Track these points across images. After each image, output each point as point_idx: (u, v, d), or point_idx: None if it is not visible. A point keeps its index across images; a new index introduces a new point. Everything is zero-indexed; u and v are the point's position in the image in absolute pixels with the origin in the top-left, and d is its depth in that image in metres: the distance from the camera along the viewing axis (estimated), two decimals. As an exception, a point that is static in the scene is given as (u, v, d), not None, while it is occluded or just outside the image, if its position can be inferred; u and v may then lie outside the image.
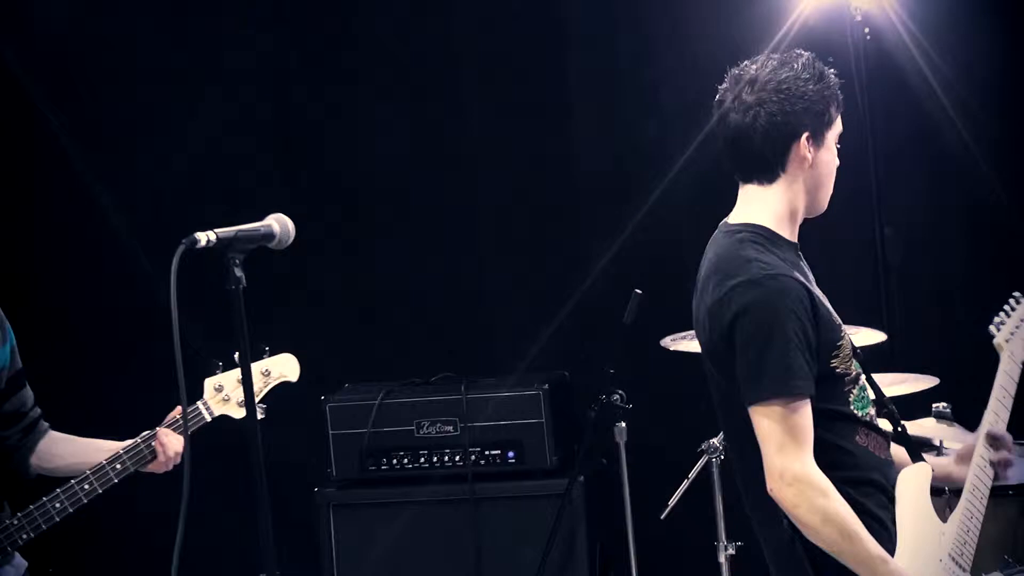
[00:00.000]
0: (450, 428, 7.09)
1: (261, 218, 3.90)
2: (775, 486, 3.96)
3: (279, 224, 3.87)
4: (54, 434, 5.18)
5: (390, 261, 8.68)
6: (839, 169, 4.35)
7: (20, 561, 5.12)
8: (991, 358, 4.93)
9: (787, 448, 3.97)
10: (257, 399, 4.51)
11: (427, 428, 7.13)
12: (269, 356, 5.02)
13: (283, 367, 5.01)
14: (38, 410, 5.18)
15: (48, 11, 9.17)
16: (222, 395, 5.00)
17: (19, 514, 4.89)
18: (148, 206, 8.34)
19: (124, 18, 9.10)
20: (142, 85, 9.17)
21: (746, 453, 4.14)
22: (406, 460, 7.18)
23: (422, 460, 7.19)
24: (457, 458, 7.11)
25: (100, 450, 5.05)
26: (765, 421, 3.98)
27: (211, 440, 4.75)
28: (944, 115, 7.33)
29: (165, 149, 8.79)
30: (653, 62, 7.97)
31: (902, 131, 7.51)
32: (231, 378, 4.93)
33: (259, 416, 4.34)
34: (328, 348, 7.97)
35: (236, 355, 4.19)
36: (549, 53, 8.35)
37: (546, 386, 7.14)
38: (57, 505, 4.94)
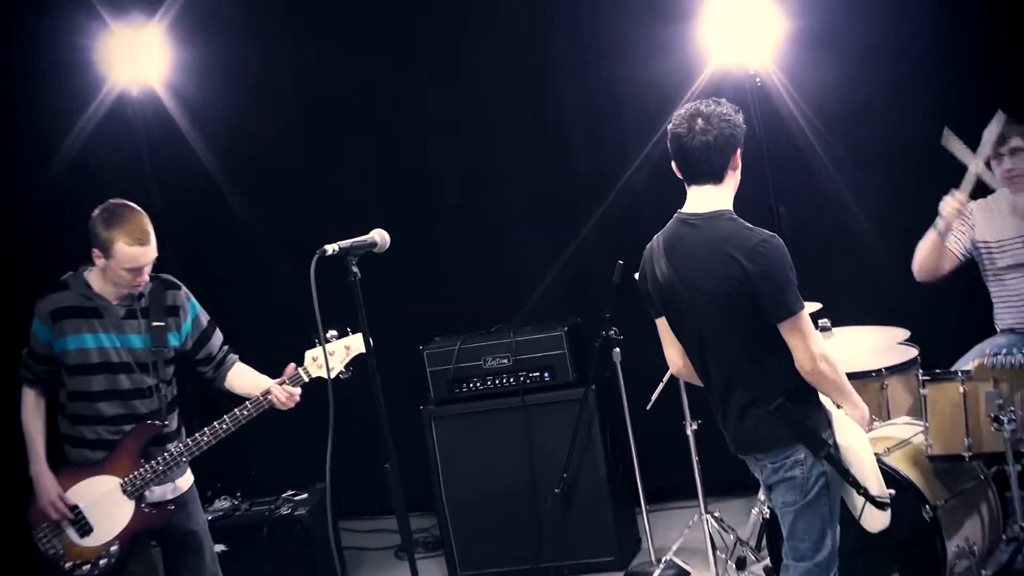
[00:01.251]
0: (505, 360, 7.39)
1: (367, 232, 4.40)
2: (817, 364, 4.40)
3: (379, 236, 4.40)
4: (238, 366, 5.56)
5: (458, 253, 8.73)
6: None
7: (190, 475, 5.50)
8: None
9: (816, 339, 4.47)
10: (342, 365, 4.99)
11: (490, 362, 7.43)
12: (349, 336, 5.06)
13: (357, 343, 4.99)
14: (226, 348, 5.59)
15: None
16: (317, 363, 5.16)
17: (195, 435, 5.24)
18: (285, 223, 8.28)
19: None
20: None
21: (754, 360, 4.55)
22: (478, 383, 7.46)
23: (488, 383, 7.45)
24: (511, 380, 7.41)
25: (259, 386, 5.35)
26: (802, 323, 4.42)
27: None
28: (808, 136, 7.59)
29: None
30: (609, 100, 8.04)
31: (784, 147, 7.68)
32: (320, 351, 4.85)
33: (346, 376, 4.89)
34: (421, 312, 8.25)
35: (326, 334, 4.79)
36: (544, 89, 8.29)
37: (565, 328, 7.46)
38: (217, 436, 5.23)
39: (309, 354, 5.11)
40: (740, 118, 4.62)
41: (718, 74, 7.45)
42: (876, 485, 4.65)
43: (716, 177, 4.59)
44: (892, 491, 4.73)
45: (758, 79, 7.39)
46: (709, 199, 4.61)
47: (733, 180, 4.67)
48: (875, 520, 4.74)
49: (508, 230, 8.72)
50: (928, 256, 6.25)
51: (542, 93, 8.33)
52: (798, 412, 4.54)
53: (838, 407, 4.70)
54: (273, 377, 5.37)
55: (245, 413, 5.23)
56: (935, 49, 7.30)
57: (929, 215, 6.35)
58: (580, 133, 8.31)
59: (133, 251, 5.03)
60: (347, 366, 4.93)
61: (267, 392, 5.22)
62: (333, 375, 4.79)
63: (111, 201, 5.19)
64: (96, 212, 5.13)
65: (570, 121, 8.26)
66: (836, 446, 4.59)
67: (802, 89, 7.58)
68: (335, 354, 5.05)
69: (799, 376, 4.48)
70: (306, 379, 5.17)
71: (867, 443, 4.70)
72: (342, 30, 8.48)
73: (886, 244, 7.31)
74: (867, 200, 7.55)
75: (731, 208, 4.63)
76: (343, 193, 8.50)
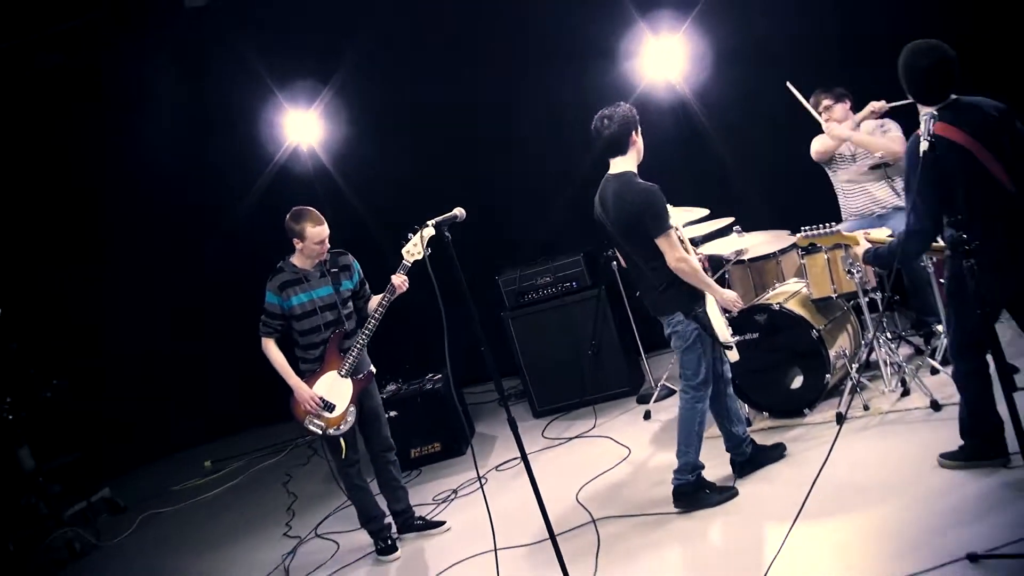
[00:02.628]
0: (548, 278, 7.41)
1: (451, 210, 4.44)
2: (677, 264, 4.72)
3: (460, 211, 4.45)
4: (372, 297, 5.62)
5: (511, 216, 8.48)
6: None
7: (371, 365, 5.69)
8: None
9: (677, 249, 4.74)
10: (424, 246, 4.75)
11: (539, 280, 7.43)
12: (419, 232, 4.93)
13: (427, 232, 4.63)
14: (367, 288, 5.70)
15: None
16: (409, 254, 5.19)
17: (355, 339, 5.45)
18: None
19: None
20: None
21: (649, 261, 4.84)
22: (534, 295, 7.46)
23: (540, 293, 7.43)
24: (554, 289, 7.40)
25: (375, 300, 5.47)
26: (666, 239, 4.72)
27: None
28: (703, 119, 7.52)
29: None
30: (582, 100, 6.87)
31: (696, 126, 7.57)
32: (408, 247, 5.15)
33: (428, 253, 4.63)
34: (490, 255, 7.96)
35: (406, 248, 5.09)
36: (546, 95, 8.03)
37: (582, 254, 7.41)
38: (369, 332, 5.39)
39: (405, 251, 5.16)
40: (631, 112, 4.84)
41: (652, 85, 7.44)
42: (723, 337, 4.98)
43: (621, 152, 4.88)
44: (735, 338, 5.18)
45: (677, 88, 7.39)
46: (619, 165, 4.90)
47: (634, 151, 4.90)
48: (731, 356, 5.06)
49: (540, 196, 8.25)
50: (830, 146, 6.24)
51: (545, 98, 8.07)
52: (677, 292, 4.85)
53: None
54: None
55: (382, 308, 5.39)
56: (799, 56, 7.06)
57: (795, 161, 6.56)
58: (557, 128, 8.04)
59: (317, 229, 5.33)
60: (427, 246, 4.67)
61: (390, 288, 5.35)
62: (420, 256, 4.98)
63: (293, 208, 5.42)
64: (288, 216, 5.37)
65: (557, 115, 7.96)
66: (705, 313, 4.88)
67: (703, 94, 7.52)
68: (414, 249, 5.14)
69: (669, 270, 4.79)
70: (409, 264, 5.20)
71: (718, 314, 4.99)
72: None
73: (775, 179, 7.29)
74: (753, 150, 7.50)
75: (633, 170, 4.88)
76: (427, 186, 8.23)
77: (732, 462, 5.28)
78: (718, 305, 5.02)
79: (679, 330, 4.95)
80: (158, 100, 9.08)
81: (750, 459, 5.25)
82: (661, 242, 4.73)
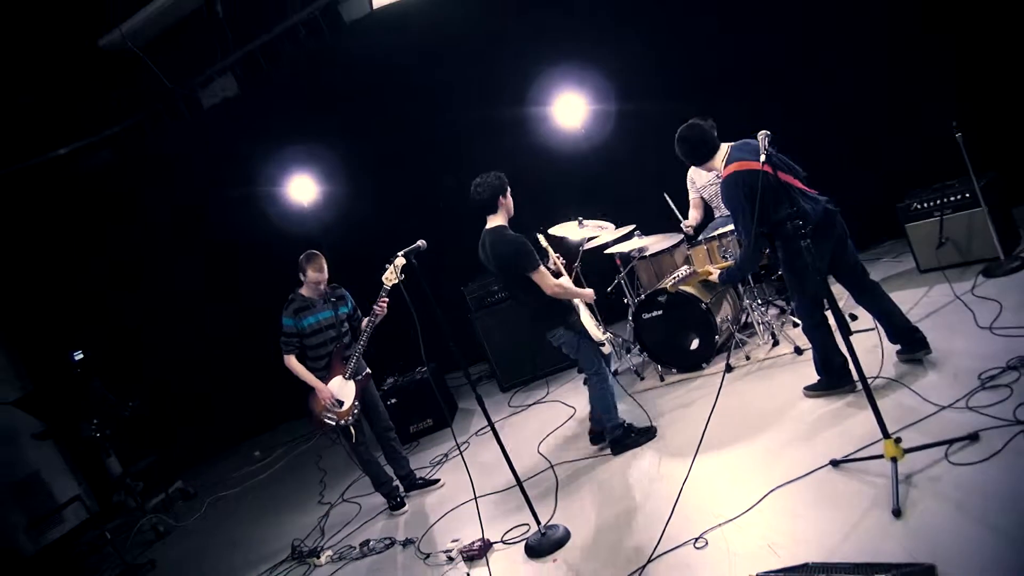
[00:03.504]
0: (497, 287, 7.15)
1: (415, 242, 4.43)
2: (553, 290, 4.66)
3: (422, 242, 4.42)
4: (364, 319, 5.40)
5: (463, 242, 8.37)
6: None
7: (367, 368, 5.61)
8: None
9: (548, 278, 4.67)
10: (399, 273, 4.71)
11: (495, 286, 7.24)
12: (393, 262, 4.76)
13: (399, 262, 4.68)
14: (359, 312, 5.56)
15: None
16: (388, 280, 4.93)
17: (354, 348, 5.40)
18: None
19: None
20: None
21: (527, 293, 4.72)
22: (490, 298, 7.27)
23: (496, 298, 7.24)
24: (506, 293, 7.09)
25: (365, 320, 5.30)
26: (538, 274, 4.64)
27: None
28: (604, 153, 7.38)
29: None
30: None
31: (598, 152, 7.41)
32: (386, 275, 4.88)
33: (402, 279, 4.65)
34: (453, 275, 7.50)
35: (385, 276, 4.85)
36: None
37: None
38: (363, 343, 5.33)
39: (384, 279, 4.95)
40: (499, 180, 4.71)
41: (562, 128, 7.31)
42: (596, 337, 4.90)
43: (493, 211, 4.77)
44: (607, 336, 5.04)
45: (582, 130, 7.35)
46: (493, 221, 4.78)
47: (504, 210, 4.77)
48: (604, 350, 4.97)
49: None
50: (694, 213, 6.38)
51: (489, 137, 7.68)
52: (551, 311, 4.78)
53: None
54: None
55: (370, 327, 5.30)
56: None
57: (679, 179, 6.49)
58: (500, 160, 7.69)
59: (317, 274, 5.35)
60: (400, 273, 4.69)
61: (371, 313, 5.25)
62: (396, 281, 4.78)
63: (306, 251, 5.42)
64: (301, 257, 5.39)
65: (499, 150, 7.44)
66: (579, 321, 4.83)
67: (607, 133, 7.39)
68: (392, 273, 4.87)
69: (546, 295, 4.69)
70: (388, 288, 5.00)
71: (588, 318, 4.91)
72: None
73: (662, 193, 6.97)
74: (645, 172, 7.15)
75: (504, 223, 4.75)
76: (395, 222, 8.18)
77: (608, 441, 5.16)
78: (586, 309, 4.98)
79: (565, 341, 4.88)
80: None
81: (622, 438, 5.09)
82: (535, 277, 4.65)
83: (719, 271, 4.66)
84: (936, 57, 6.15)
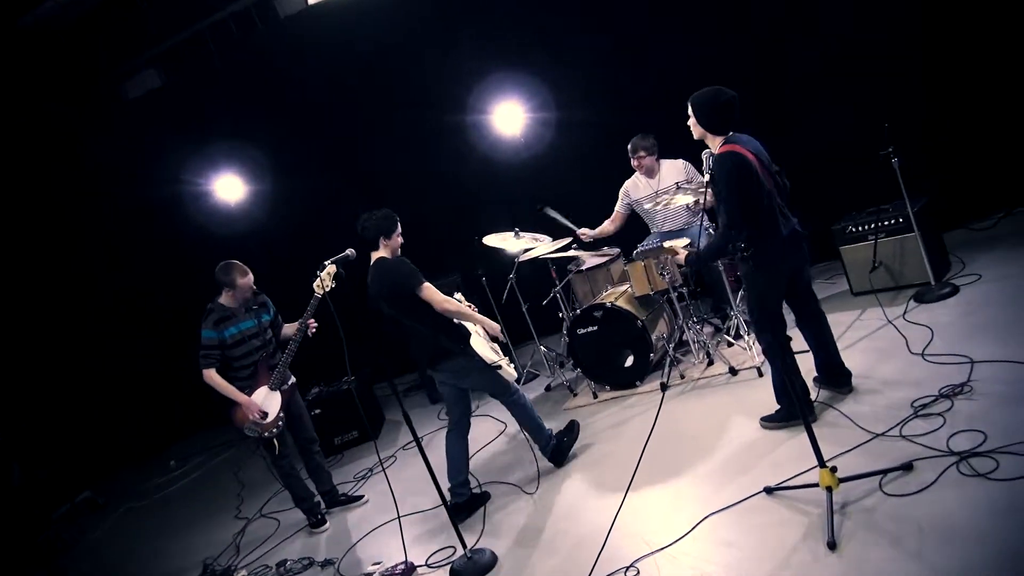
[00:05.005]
0: None
1: (344, 250, 4.33)
2: (441, 306, 4.41)
3: (351, 251, 4.31)
4: (285, 325, 5.37)
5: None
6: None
7: (293, 377, 5.39)
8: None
9: (436, 295, 4.43)
10: (330, 286, 4.58)
11: None
12: (324, 270, 4.58)
13: (330, 270, 4.60)
14: (280, 318, 5.41)
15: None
16: (318, 289, 4.69)
17: (282, 359, 5.18)
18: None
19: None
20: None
21: (422, 318, 4.47)
22: None
23: None
24: None
25: (293, 327, 5.21)
26: (427, 290, 4.42)
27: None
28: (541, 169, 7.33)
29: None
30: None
31: (537, 164, 7.34)
32: (317, 283, 4.64)
33: (332, 287, 4.53)
34: None
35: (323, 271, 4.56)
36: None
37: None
38: (292, 352, 5.14)
39: (315, 286, 4.72)
40: (386, 220, 4.55)
41: (500, 138, 7.24)
42: (491, 359, 4.64)
43: (375, 247, 4.57)
44: (499, 360, 4.70)
45: (521, 138, 7.22)
46: (378, 254, 4.57)
47: (388, 247, 4.58)
48: (506, 374, 4.72)
49: (422, 225, 7.62)
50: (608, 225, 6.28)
51: (421, 140, 7.65)
52: (447, 337, 4.52)
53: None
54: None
55: (299, 338, 5.16)
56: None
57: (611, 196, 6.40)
58: (434, 165, 7.65)
59: (246, 280, 5.12)
60: (332, 280, 4.58)
61: (303, 323, 5.13)
62: (327, 289, 4.60)
63: (221, 263, 5.16)
64: (217, 269, 5.12)
65: (433, 155, 7.63)
66: (470, 348, 4.57)
67: (535, 141, 7.32)
68: (324, 280, 4.67)
69: (442, 317, 4.47)
70: (319, 295, 4.81)
71: (481, 343, 4.66)
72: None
73: (601, 208, 6.72)
74: (583, 187, 7.16)
75: (388, 256, 4.55)
76: (325, 227, 7.56)
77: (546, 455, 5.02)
78: (483, 334, 4.74)
79: (466, 367, 4.61)
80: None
81: (558, 447, 4.98)
82: (424, 292, 4.42)
83: (686, 252, 4.37)
84: (876, 82, 6.21)
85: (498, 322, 4.87)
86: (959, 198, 6.22)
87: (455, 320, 4.57)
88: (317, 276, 4.67)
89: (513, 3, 7.11)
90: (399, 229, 4.64)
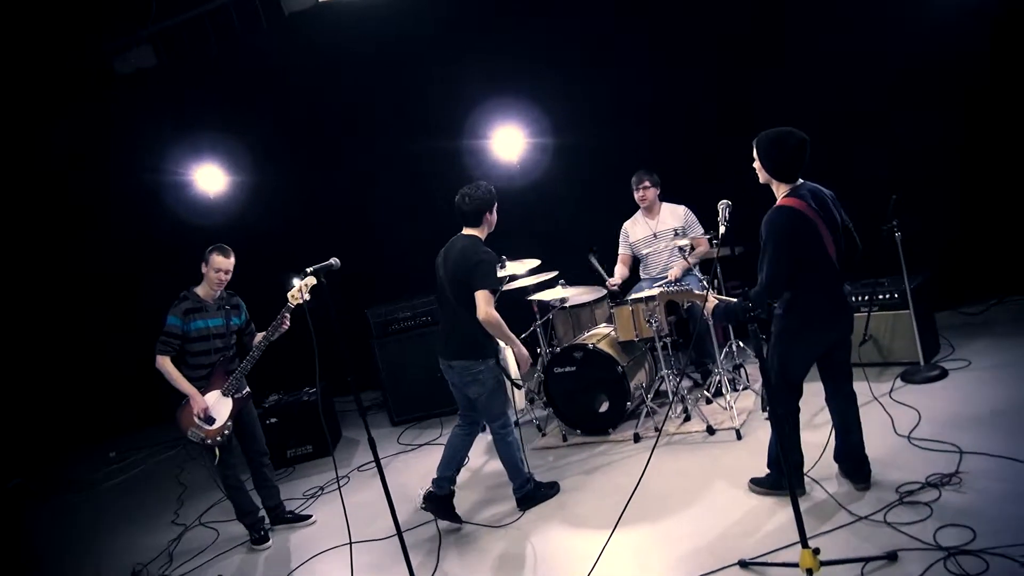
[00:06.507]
0: (408, 313, 6.90)
1: (328, 259, 3.96)
2: (483, 316, 4.22)
3: (335, 260, 3.95)
4: (257, 335, 5.11)
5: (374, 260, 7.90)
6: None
7: (248, 387, 5.17)
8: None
9: (487, 305, 4.23)
10: (307, 293, 4.28)
11: (402, 313, 6.91)
12: (304, 278, 4.24)
13: (310, 280, 4.28)
14: (253, 326, 5.24)
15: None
16: (294, 298, 4.37)
17: (242, 366, 4.98)
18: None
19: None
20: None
21: (469, 310, 4.28)
22: (395, 325, 6.90)
23: (401, 325, 6.89)
24: (412, 322, 6.90)
25: (260, 335, 4.96)
26: (484, 295, 4.24)
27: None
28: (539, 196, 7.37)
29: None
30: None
31: (536, 189, 7.34)
32: (293, 292, 4.33)
33: (308, 299, 4.22)
34: (359, 293, 7.30)
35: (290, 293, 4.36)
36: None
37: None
38: (253, 361, 4.94)
39: (289, 295, 4.48)
40: (488, 194, 4.43)
41: (497, 162, 7.19)
42: (515, 376, 4.55)
43: (476, 225, 4.47)
44: (520, 381, 4.59)
45: (518, 165, 7.18)
46: (471, 231, 4.46)
47: (486, 225, 4.49)
48: (518, 396, 4.67)
49: (403, 245, 7.61)
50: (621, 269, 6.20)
51: (406, 165, 7.60)
52: (485, 340, 4.37)
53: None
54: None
55: (267, 341, 4.95)
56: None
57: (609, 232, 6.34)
58: (418, 189, 7.61)
59: (221, 259, 4.93)
60: (309, 293, 4.28)
61: (276, 322, 4.92)
62: (302, 301, 4.26)
63: (217, 244, 5.01)
64: (211, 247, 4.96)
65: (417, 180, 7.58)
66: (504, 359, 4.48)
67: (531, 166, 7.30)
68: (301, 290, 4.40)
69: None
70: (292, 306, 4.60)
71: (512, 360, 4.53)
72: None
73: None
74: (578, 220, 7.20)
75: (482, 237, 4.46)
76: (306, 230, 7.84)
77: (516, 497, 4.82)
78: (512, 360, 4.58)
79: (481, 378, 4.44)
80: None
81: (532, 493, 4.79)
82: (479, 295, 4.26)
83: (716, 301, 3.93)
84: (882, 155, 6.18)
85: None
86: (953, 280, 6.18)
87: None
88: (294, 284, 4.40)
89: (518, 23, 7.05)
90: (496, 205, 4.52)
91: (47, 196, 8.48)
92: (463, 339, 4.42)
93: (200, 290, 5.01)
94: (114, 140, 8.13)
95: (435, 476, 4.70)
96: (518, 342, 4.48)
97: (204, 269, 4.97)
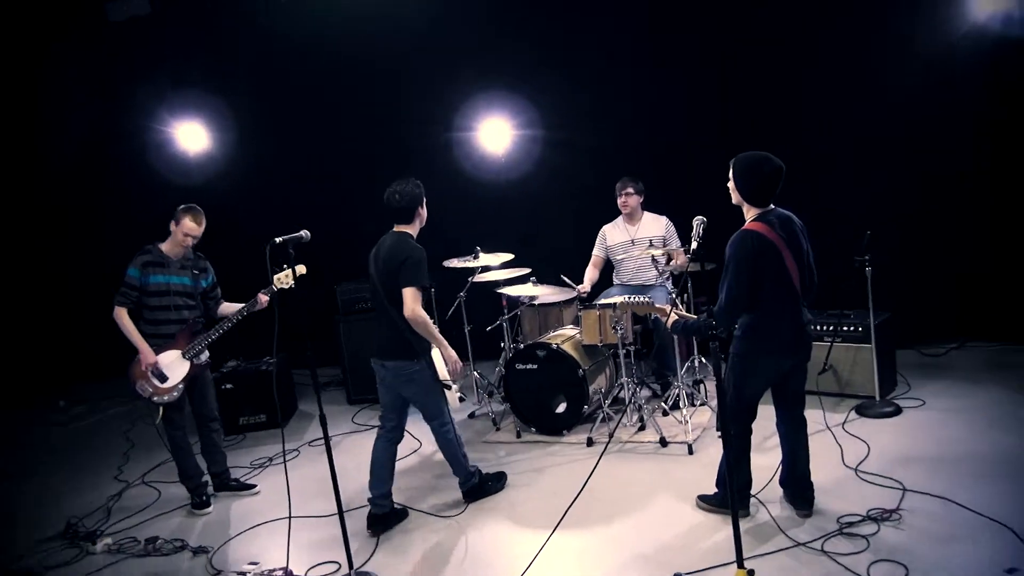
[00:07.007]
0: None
1: (298, 230, 3.89)
2: (410, 315, 4.12)
3: (306, 233, 3.88)
4: (224, 303, 5.16)
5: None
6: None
7: (207, 357, 5.12)
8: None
9: (415, 303, 4.12)
10: (290, 282, 4.13)
11: (366, 293, 6.95)
12: (289, 269, 4.08)
13: (299, 270, 4.22)
14: (219, 291, 5.18)
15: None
16: (280, 282, 4.33)
17: (208, 333, 4.95)
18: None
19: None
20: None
21: (400, 308, 4.16)
22: (364, 304, 6.82)
23: (370, 304, 6.69)
24: None
25: (235, 308, 5.00)
26: (412, 292, 4.12)
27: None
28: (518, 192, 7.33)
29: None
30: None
31: (520, 183, 7.37)
32: (281, 276, 4.31)
33: (292, 286, 4.11)
34: (329, 268, 7.20)
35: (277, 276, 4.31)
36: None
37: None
38: (221, 331, 4.94)
39: (276, 278, 4.46)
40: (418, 189, 4.32)
41: (485, 155, 7.20)
42: (443, 377, 4.43)
43: (407, 221, 4.35)
44: (449, 382, 4.48)
45: (502, 157, 7.15)
46: (402, 228, 4.33)
47: (418, 221, 4.38)
48: (450, 397, 4.52)
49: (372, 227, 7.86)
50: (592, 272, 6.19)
51: (397, 144, 7.48)
52: (416, 338, 4.25)
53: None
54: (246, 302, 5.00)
55: (240, 316, 4.94)
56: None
57: (583, 235, 6.35)
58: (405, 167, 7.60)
59: (192, 225, 4.88)
60: (294, 281, 4.05)
61: (253, 300, 4.90)
62: (286, 286, 4.25)
63: (189, 204, 4.95)
64: (181, 207, 4.90)
65: (405, 157, 7.39)
66: (430, 357, 4.37)
67: (522, 159, 7.33)
68: (284, 279, 4.40)
69: None
70: (275, 289, 4.49)
71: (440, 361, 4.42)
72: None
73: (567, 246, 6.87)
74: (563, 213, 7.23)
75: (412, 234, 4.35)
76: (283, 200, 7.80)
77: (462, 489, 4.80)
78: (441, 360, 4.46)
79: (416, 378, 4.35)
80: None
81: (479, 486, 4.78)
82: (406, 292, 4.15)
83: (677, 317, 3.93)
84: (858, 191, 6.29)
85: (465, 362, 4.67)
86: (917, 319, 6.25)
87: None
88: (283, 269, 4.24)
89: (513, 16, 7.07)
90: (425, 200, 4.42)
91: (25, 138, 8.36)
92: (396, 339, 4.31)
93: (164, 246, 4.95)
94: (100, 88, 8.02)
95: (370, 496, 4.57)
96: (446, 343, 4.36)
97: (173, 227, 4.91)
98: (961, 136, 6.12)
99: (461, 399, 4.70)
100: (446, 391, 4.51)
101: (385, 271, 4.28)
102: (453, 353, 4.39)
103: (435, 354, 4.45)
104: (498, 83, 7.07)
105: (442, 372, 4.47)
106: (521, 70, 7.05)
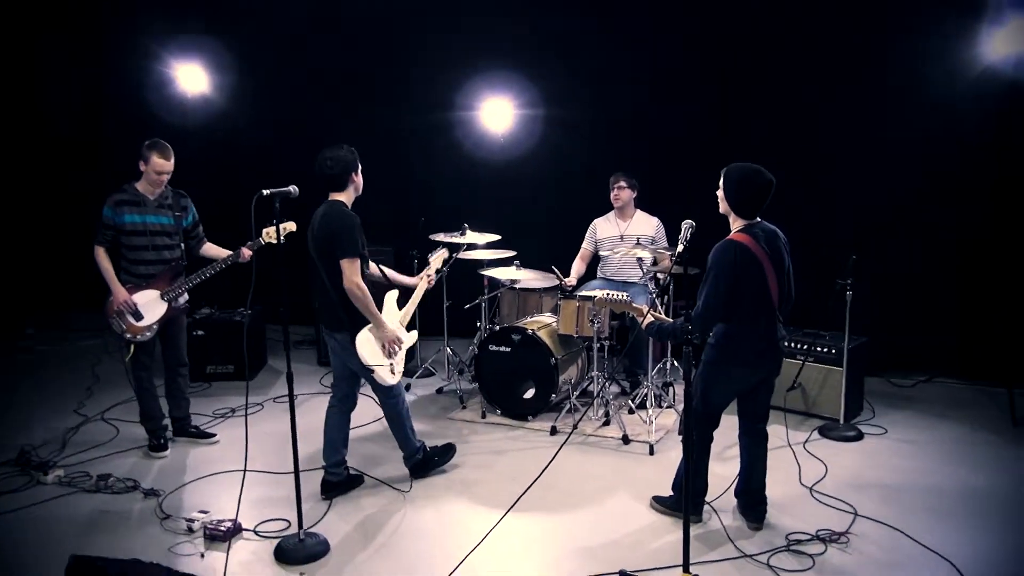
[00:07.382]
0: None
1: (287, 185, 3.79)
2: (348, 286, 4.01)
3: (294, 188, 3.77)
4: (207, 244, 5.09)
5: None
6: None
7: (186, 300, 5.06)
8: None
9: (354, 275, 4.00)
10: (279, 239, 3.84)
11: None
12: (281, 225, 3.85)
13: (289, 226, 4.54)
14: (201, 230, 5.10)
15: None
16: (268, 236, 4.56)
17: (189, 277, 4.93)
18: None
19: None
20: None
21: (333, 279, 4.08)
22: None
23: None
24: None
25: (221, 253, 4.98)
26: (349, 263, 4.00)
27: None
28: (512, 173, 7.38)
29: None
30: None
31: (513, 163, 7.35)
32: (269, 230, 4.49)
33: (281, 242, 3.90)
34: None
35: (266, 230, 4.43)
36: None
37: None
38: (203, 277, 4.90)
39: (264, 231, 4.56)
40: (351, 155, 4.14)
41: (485, 134, 7.18)
42: (367, 361, 4.20)
43: (341, 188, 4.17)
44: (374, 364, 4.23)
45: (502, 137, 7.14)
46: (336, 196, 4.16)
47: (352, 188, 4.20)
48: (381, 378, 4.30)
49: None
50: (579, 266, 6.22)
51: (394, 117, 7.45)
52: (350, 312, 4.13)
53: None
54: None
55: (223, 265, 4.92)
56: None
57: (572, 224, 6.35)
58: (397, 137, 7.49)
59: (161, 162, 4.79)
60: (284, 238, 4.19)
61: (237, 253, 4.87)
62: (274, 242, 4.25)
63: (155, 139, 4.84)
64: (146, 142, 4.81)
65: (398, 129, 7.44)
66: (358, 340, 4.18)
67: (518, 142, 7.30)
68: (272, 234, 4.53)
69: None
70: (262, 243, 4.63)
71: (370, 341, 4.21)
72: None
73: (555, 233, 6.94)
74: (545, 207, 7.25)
75: (346, 202, 4.17)
76: (278, 150, 7.69)
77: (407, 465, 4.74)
78: (374, 337, 4.27)
79: (349, 348, 4.23)
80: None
81: (423, 462, 4.73)
82: (344, 264, 4.03)
83: (652, 319, 3.92)
84: (848, 215, 6.30)
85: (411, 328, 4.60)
86: (890, 348, 6.28)
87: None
88: (274, 224, 4.02)
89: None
90: (360, 167, 4.28)
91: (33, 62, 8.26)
92: (336, 312, 4.21)
93: (140, 185, 4.89)
94: (103, 24, 7.95)
95: (323, 464, 4.50)
96: (382, 321, 4.23)
97: (142, 166, 4.82)
98: (955, 181, 6.12)
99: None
100: (377, 369, 4.28)
101: (320, 241, 4.14)
102: (390, 332, 4.27)
103: (362, 338, 4.23)
104: (501, 63, 7.04)
105: (365, 353, 4.23)
106: (524, 52, 7.04)
